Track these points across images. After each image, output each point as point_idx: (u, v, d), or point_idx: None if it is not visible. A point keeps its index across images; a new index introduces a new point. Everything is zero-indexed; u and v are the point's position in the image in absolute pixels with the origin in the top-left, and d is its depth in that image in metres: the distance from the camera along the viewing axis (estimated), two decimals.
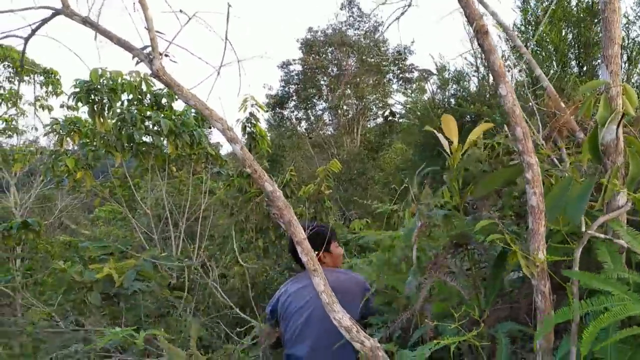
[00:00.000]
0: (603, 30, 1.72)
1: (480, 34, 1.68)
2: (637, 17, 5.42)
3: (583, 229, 1.60)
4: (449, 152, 2.07)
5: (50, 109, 12.38)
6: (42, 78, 12.18)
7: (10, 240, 6.24)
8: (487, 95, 7.42)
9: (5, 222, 6.57)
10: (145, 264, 4.96)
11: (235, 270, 5.91)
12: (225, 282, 6.24)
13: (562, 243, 1.74)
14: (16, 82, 12.15)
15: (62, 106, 12.85)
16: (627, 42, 5.46)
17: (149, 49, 1.94)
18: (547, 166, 1.94)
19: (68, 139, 6.34)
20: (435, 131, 2.05)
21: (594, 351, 1.39)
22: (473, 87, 8.01)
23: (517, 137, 1.67)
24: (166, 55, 2.00)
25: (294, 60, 17.96)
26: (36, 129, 13.90)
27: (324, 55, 17.29)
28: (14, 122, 11.94)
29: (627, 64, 5.09)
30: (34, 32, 2.42)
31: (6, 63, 12.05)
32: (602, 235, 1.56)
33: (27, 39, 2.50)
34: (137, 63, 2.00)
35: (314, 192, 5.99)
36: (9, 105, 12.01)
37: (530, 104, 2.60)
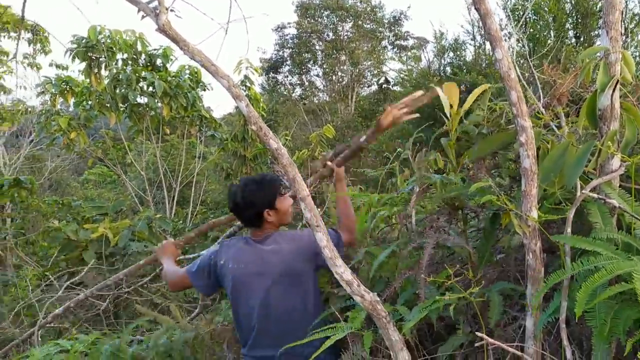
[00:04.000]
0: None
1: None
2: None
3: (578, 192, 1.66)
4: (449, 116, 2.11)
5: (38, 67, 12.11)
6: (29, 35, 11.86)
7: (3, 198, 6.23)
8: (483, 65, 7.40)
9: None
10: (140, 224, 5.01)
11: None
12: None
13: (556, 205, 1.80)
14: (3, 39, 11.80)
15: (51, 65, 12.59)
16: (625, 14, 5.46)
17: (155, 3, 1.92)
18: (544, 131, 1.98)
19: (60, 98, 6.25)
20: (439, 90, 2.08)
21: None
22: (469, 56, 7.98)
23: (511, 101, 1.71)
24: (171, 11, 1.99)
25: (288, 23, 17.66)
26: (24, 88, 13.65)
27: (319, 19, 16.99)
28: (1, 80, 11.67)
29: (624, 36, 5.09)
30: None
31: None
32: (595, 196, 1.62)
33: None
34: (143, 17, 1.99)
35: (307, 157, 6.02)
36: None
37: (528, 73, 2.63)
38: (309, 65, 17.71)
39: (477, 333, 1.50)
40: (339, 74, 17.25)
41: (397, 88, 14.37)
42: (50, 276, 5.24)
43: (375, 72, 17.61)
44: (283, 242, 2.20)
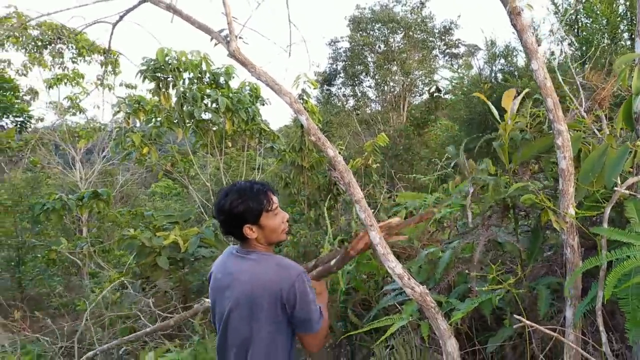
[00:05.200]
0: (638, 5, 1.86)
1: (513, 14, 1.87)
2: None
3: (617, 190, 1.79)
4: (500, 121, 2.27)
5: (110, 87, 13.10)
6: (102, 58, 12.87)
7: (82, 209, 6.83)
8: None
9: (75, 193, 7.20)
10: (207, 231, 5.38)
11: (288, 239, 6.28)
12: (279, 250, 6.64)
13: (596, 203, 1.93)
14: (79, 63, 12.84)
15: (121, 85, 13.60)
16: None
17: (226, 31, 2.23)
18: (584, 134, 2.11)
19: (132, 116, 6.81)
20: (486, 100, 2.26)
21: (617, 295, 1.60)
22: (521, 62, 7.95)
23: (548, 107, 1.87)
24: (240, 38, 2.29)
25: (341, 37, 18.13)
26: (99, 107, 14.82)
27: (371, 32, 17.32)
28: (78, 100, 12.70)
29: None
30: (121, 18, 2.76)
31: (70, 45, 12.77)
32: (631, 193, 1.74)
33: (114, 25, 2.85)
34: (215, 45, 2.30)
35: (361, 165, 6.24)
36: (74, 85, 12.77)
37: (580, 78, 2.74)
38: (362, 77, 18.07)
39: (519, 317, 1.66)
40: (391, 84, 17.46)
41: (448, 96, 14.39)
42: (126, 281, 5.72)
43: (427, 81, 17.68)
44: (261, 265, 1.84)
